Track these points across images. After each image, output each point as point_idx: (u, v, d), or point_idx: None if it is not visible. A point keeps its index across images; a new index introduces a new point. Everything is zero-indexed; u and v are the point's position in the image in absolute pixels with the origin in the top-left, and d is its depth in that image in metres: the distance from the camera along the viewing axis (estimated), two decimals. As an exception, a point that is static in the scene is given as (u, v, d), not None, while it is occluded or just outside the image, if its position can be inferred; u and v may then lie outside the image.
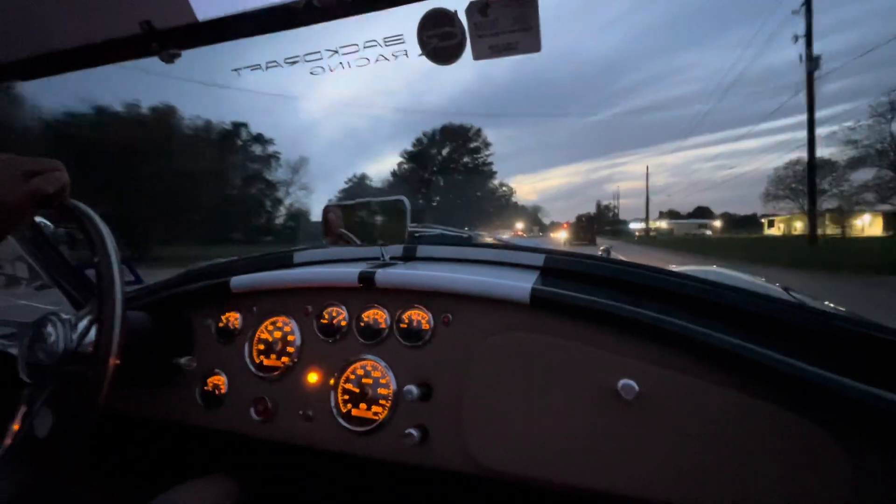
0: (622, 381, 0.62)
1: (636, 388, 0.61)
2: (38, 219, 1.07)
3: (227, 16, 0.72)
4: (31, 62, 0.80)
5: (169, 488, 0.80)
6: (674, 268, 1.44)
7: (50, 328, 0.78)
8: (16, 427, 0.72)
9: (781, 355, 0.57)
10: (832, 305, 0.96)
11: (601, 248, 1.28)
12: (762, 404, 0.57)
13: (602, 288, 0.80)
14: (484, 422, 0.71)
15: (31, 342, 0.78)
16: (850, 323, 0.66)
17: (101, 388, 0.65)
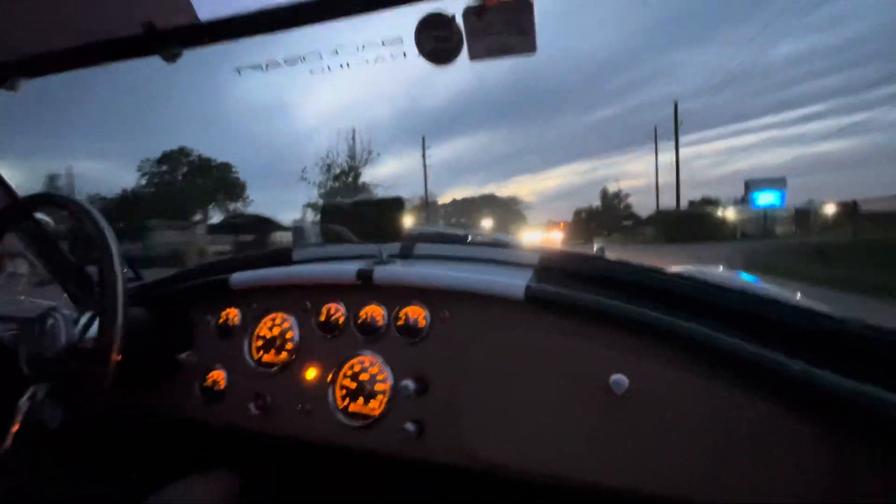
0: (613, 377, 0.64)
1: (626, 382, 0.63)
2: (39, 216, 1.08)
3: (228, 16, 0.74)
4: (34, 60, 0.81)
5: (169, 483, 0.81)
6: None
7: (51, 323, 0.79)
8: (17, 422, 0.73)
9: (768, 351, 0.59)
10: (817, 304, 0.98)
11: (596, 247, 1.30)
12: (748, 399, 0.59)
13: (594, 286, 0.82)
14: (479, 416, 0.72)
15: (33, 337, 0.79)
16: (835, 322, 0.67)
17: (103, 384, 0.66)
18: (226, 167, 35.86)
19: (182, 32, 0.75)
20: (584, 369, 0.67)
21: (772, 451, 0.57)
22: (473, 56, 0.66)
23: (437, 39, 0.67)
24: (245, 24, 0.73)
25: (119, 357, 0.68)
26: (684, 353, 0.63)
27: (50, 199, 0.82)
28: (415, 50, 0.70)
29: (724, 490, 0.58)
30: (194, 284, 0.97)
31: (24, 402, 0.74)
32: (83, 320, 0.78)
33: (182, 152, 33.50)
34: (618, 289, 0.82)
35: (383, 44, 0.71)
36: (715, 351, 0.61)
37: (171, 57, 0.77)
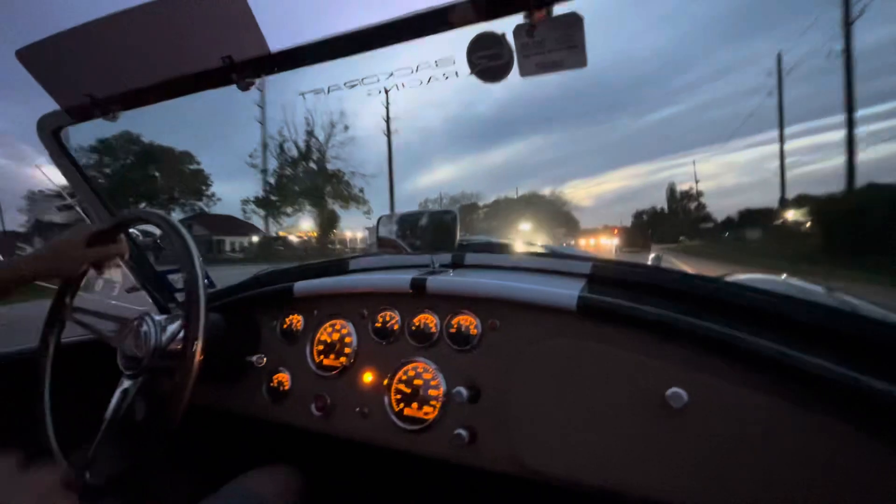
0: (670, 390, 0.62)
1: (685, 397, 0.61)
2: (131, 230, 1.21)
3: (295, 47, 0.80)
4: (132, 93, 0.92)
5: (236, 475, 0.88)
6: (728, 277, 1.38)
7: (144, 327, 0.88)
8: (109, 413, 0.82)
9: (836, 366, 0.55)
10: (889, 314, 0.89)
11: (651, 255, 1.23)
12: (816, 417, 0.56)
13: (650, 296, 0.80)
14: (531, 425, 0.73)
15: (128, 338, 0.89)
16: None
17: (188, 381, 0.73)
18: (185, 157, 28.37)
19: (256, 63, 0.82)
20: (640, 381, 0.66)
21: (842, 469, 0.53)
22: (524, 73, 0.68)
23: (488, 58, 0.70)
24: (311, 53, 0.79)
25: (201, 357, 0.75)
26: (745, 366, 0.61)
27: (144, 215, 0.92)
28: (467, 69, 0.73)
29: None
30: (262, 292, 1.04)
31: (116, 396, 0.84)
32: (171, 327, 0.86)
33: (127, 139, 26.06)
34: (673, 299, 0.80)
35: (436, 64, 0.75)
36: (778, 365, 0.58)
37: (245, 86, 0.85)
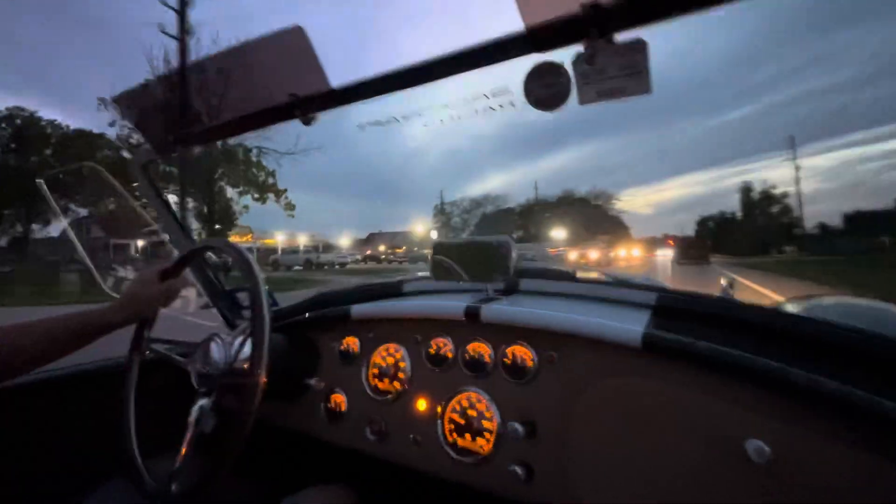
0: (751, 442, 0.56)
1: (768, 450, 0.55)
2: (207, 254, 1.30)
3: (355, 83, 0.83)
4: (208, 131, 1.00)
5: (293, 490, 0.90)
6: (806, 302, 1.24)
7: (213, 346, 0.94)
8: (190, 429, 0.88)
9: None
10: None
11: (723, 281, 1.11)
12: None
13: (725, 332, 0.74)
14: (592, 466, 0.69)
15: (200, 358, 0.96)
16: None
17: (254, 402, 0.77)
18: (81, 139, 19.92)
19: (318, 99, 0.86)
20: (715, 429, 0.61)
21: None
22: (584, 101, 0.65)
23: (546, 86, 0.68)
24: (370, 87, 0.82)
25: (265, 378, 0.78)
26: (847, 420, 0.54)
27: (215, 245, 0.99)
28: (523, 98, 0.72)
29: None
30: (321, 314, 1.08)
31: (194, 412, 0.90)
32: (237, 344, 0.91)
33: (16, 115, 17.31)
34: (753, 335, 0.73)
35: (492, 94, 0.75)
36: (876, 417, 0.51)
37: (307, 120, 0.90)
